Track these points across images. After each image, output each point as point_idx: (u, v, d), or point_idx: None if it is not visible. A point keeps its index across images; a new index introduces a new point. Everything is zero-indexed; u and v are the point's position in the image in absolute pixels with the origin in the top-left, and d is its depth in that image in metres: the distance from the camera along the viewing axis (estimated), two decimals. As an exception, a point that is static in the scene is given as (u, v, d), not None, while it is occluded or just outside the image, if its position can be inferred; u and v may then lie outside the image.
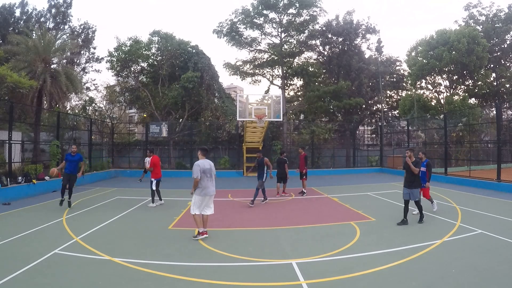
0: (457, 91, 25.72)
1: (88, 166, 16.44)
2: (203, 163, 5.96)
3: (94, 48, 28.74)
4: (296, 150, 18.01)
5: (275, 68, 27.35)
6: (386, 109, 30.52)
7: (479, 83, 25.04)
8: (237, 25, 25.31)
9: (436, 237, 5.79)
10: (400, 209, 8.65)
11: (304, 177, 11.31)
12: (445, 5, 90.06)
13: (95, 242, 5.60)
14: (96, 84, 40.67)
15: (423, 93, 27.03)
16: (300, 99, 29.50)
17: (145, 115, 26.77)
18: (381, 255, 4.95)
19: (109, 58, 22.99)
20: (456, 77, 25.42)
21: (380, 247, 5.32)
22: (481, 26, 25.47)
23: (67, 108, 24.05)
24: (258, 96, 31.04)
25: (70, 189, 8.71)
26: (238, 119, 14.08)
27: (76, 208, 8.79)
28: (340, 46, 26.84)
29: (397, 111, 28.58)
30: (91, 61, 28.43)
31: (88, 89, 27.42)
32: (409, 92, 27.28)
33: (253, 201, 9.26)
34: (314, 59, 28.09)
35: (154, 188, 9.15)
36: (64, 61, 19.13)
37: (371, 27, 27.32)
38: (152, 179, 9.21)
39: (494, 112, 20.63)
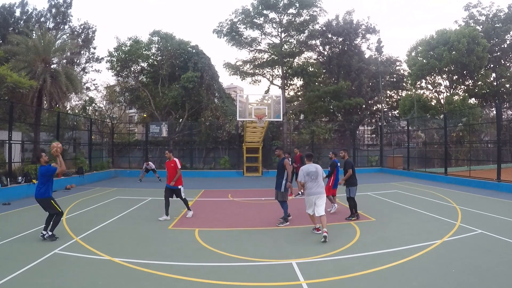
0: (457, 91, 25.72)
1: (88, 166, 16.45)
2: (308, 167, 6.10)
3: (94, 48, 28.75)
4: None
5: (275, 68, 27.37)
6: (386, 109, 30.53)
7: (479, 83, 25.05)
8: (237, 25, 25.33)
9: (436, 237, 5.79)
10: (400, 208, 8.70)
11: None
12: (445, 5, 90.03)
13: (95, 242, 5.60)
14: (96, 84, 40.70)
15: (423, 93, 27.06)
16: (300, 99, 29.52)
17: (145, 115, 26.76)
18: (381, 255, 4.95)
19: (109, 58, 23.01)
20: (456, 77, 25.43)
21: (380, 247, 5.32)
22: (481, 26, 25.49)
23: (67, 108, 24.03)
24: (258, 96, 31.03)
25: (48, 220, 5.86)
26: (238, 119, 14.07)
27: (76, 208, 8.79)
28: (340, 46, 26.85)
29: (397, 111, 28.58)
30: (91, 61, 28.43)
31: (88, 89, 27.42)
32: (409, 92, 27.29)
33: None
34: (314, 59, 28.11)
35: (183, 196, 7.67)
36: (64, 61, 19.14)
37: (371, 27, 27.35)
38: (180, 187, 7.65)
39: (494, 112, 20.65)
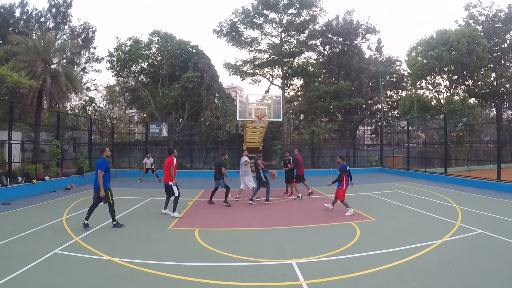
0: (457, 91, 25.73)
1: (88, 166, 16.46)
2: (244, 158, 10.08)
3: (94, 48, 28.68)
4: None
5: (275, 68, 27.33)
6: (386, 109, 30.52)
7: (479, 83, 25.06)
8: (237, 25, 25.28)
9: (436, 237, 5.79)
10: (400, 208, 8.70)
11: (294, 180, 10.90)
12: (445, 5, 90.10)
13: (95, 242, 5.60)
14: (96, 84, 40.71)
15: (423, 93, 27.05)
16: (300, 99, 29.49)
17: (145, 115, 26.76)
18: (381, 255, 4.95)
19: (109, 58, 23.01)
20: (456, 77, 25.43)
21: (380, 247, 5.32)
22: (481, 26, 25.48)
23: (67, 108, 24.02)
24: (258, 96, 31.01)
25: (111, 211, 6.79)
26: (238, 119, 14.05)
27: (76, 208, 8.79)
28: (340, 46, 26.83)
29: (397, 111, 28.58)
30: (91, 61, 28.36)
31: (88, 89, 27.38)
32: (409, 92, 27.28)
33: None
34: (314, 59, 28.08)
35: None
36: (64, 61, 19.11)
37: (371, 27, 27.32)
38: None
39: (494, 112, 20.64)
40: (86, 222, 6.52)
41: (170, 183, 7.74)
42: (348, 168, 8.14)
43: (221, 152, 10.00)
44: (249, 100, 16.09)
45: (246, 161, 9.97)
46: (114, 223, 6.74)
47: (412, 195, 10.93)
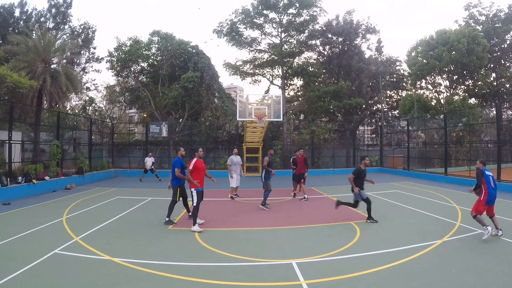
0: (457, 91, 25.71)
1: (88, 166, 16.48)
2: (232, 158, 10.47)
3: (94, 48, 28.69)
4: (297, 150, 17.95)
5: (275, 68, 27.29)
6: (386, 109, 30.50)
7: (479, 83, 25.04)
8: (237, 25, 25.26)
9: (436, 237, 5.79)
10: (400, 208, 8.69)
11: (303, 180, 10.65)
12: (445, 5, 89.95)
13: (95, 242, 5.60)
14: (96, 84, 40.75)
15: (423, 93, 27.03)
16: (300, 99, 29.48)
17: (145, 115, 26.77)
18: (381, 255, 4.95)
19: (109, 58, 23.01)
20: (456, 77, 25.41)
21: (380, 247, 5.32)
22: (481, 26, 25.47)
23: (67, 108, 24.03)
24: (258, 96, 30.93)
25: (185, 204, 7.54)
26: (238, 119, 14.07)
27: (76, 208, 8.79)
28: (340, 46, 26.83)
29: (397, 111, 28.57)
30: (91, 61, 28.38)
31: (88, 89, 27.41)
32: (409, 92, 27.28)
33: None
34: (314, 59, 28.05)
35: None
36: (64, 61, 19.10)
37: (371, 27, 27.32)
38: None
39: (494, 112, 20.63)
40: (167, 219, 6.99)
41: (192, 189, 6.71)
42: (487, 173, 6.28)
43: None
44: (249, 100, 16.11)
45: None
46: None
47: (412, 195, 10.93)
